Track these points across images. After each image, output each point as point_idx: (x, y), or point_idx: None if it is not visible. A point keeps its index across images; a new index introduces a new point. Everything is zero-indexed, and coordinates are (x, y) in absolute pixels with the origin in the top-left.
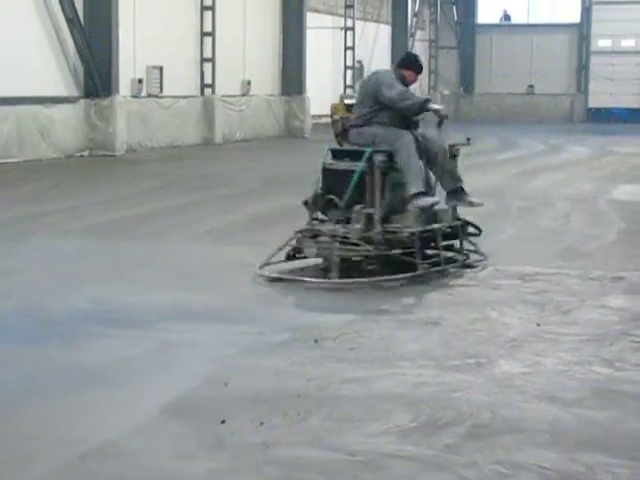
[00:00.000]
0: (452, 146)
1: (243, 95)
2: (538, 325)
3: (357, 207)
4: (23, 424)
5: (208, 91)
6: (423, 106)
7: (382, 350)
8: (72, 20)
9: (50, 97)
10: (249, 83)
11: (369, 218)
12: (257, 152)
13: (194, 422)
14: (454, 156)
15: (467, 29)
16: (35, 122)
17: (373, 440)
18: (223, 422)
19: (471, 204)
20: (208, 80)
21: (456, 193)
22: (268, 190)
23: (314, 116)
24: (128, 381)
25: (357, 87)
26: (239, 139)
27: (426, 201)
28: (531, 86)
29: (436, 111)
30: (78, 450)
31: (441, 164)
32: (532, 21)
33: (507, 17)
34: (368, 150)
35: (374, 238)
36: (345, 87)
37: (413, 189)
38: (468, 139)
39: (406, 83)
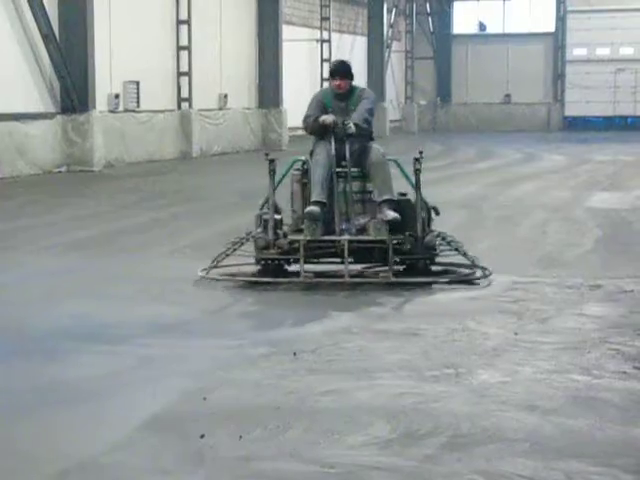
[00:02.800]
0: (417, 160)
1: (220, 109)
2: (516, 334)
3: (259, 212)
4: (2, 440)
5: (185, 105)
6: (316, 124)
7: (361, 361)
8: (47, 36)
9: (26, 113)
10: (226, 96)
11: (265, 224)
12: (234, 165)
13: (173, 437)
14: (417, 170)
15: (443, 39)
16: (11, 139)
17: (352, 452)
18: (202, 436)
19: (385, 216)
20: (185, 94)
21: (386, 204)
22: (246, 203)
23: (291, 128)
24: (108, 397)
25: None
26: (217, 153)
27: (388, 214)
28: (508, 95)
29: (323, 123)
30: (58, 467)
31: (373, 175)
32: (508, 31)
33: (482, 27)
34: (291, 161)
35: (258, 242)
36: None
37: (312, 197)
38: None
39: (338, 92)
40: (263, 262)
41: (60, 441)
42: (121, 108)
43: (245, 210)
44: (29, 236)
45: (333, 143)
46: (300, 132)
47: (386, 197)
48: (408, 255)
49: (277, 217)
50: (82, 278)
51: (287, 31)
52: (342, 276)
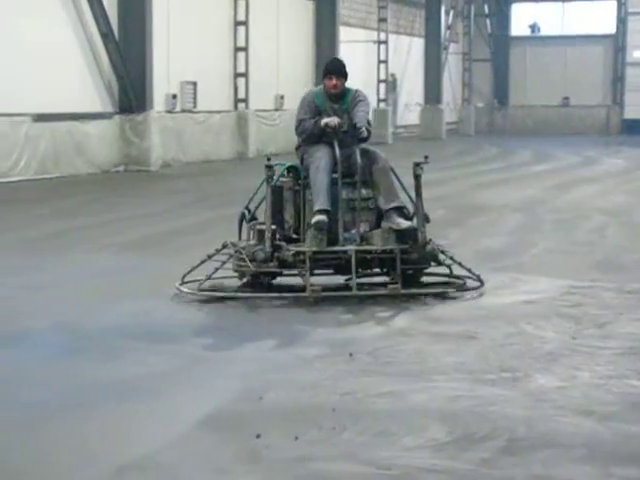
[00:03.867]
0: (417, 165)
1: (276, 109)
2: (574, 339)
3: (252, 223)
4: (60, 438)
5: (242, 106)
6: (317, 128)
7: (417, 364)
8: (107, 36)
9: (85, 113)
10: (282, 97)
11: (261, 234)
12: None
13: (230, 436)
14: (417, 176)
15: (501, 41)
16: (70, 138)
17: (408, 454)
18: (258, 436)
19: (398, 225)
20: (242, 95)
21: (395, 212)
22: None
23: None
24: (164, 395)
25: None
26: (272, 153)
27: (400, 222)
28: (566, 98)
29: (327, 125)
30: (116, 463)
31: (377, 181)
32: (566, 32)
33: (535, 28)
34: (284, 167)
35: (257, 255)
36: (378, 101)
37: (316, 205)
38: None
39: (330, 93)
40: (251, 276)
41: (117, 438)
42: (178, 108)
43: None
44: (86, 235)
45: (337, 147)
46: None
47: (395, 204)
48: (412, 265)
49: (273, 228)
50: (137, 277)
51: (344, 32)
52: (349, 289)
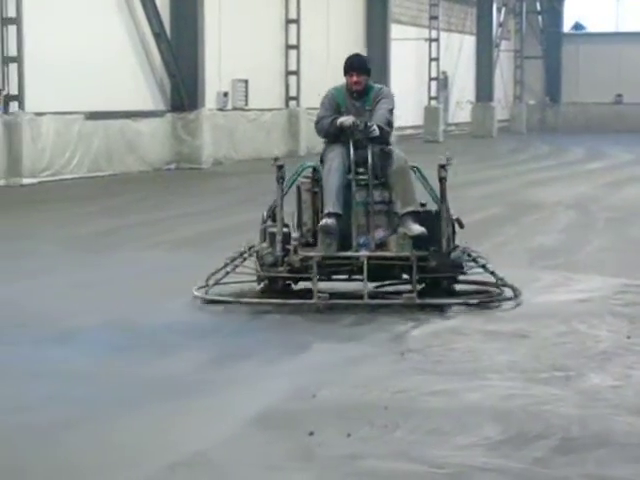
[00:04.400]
0: (442, 166)
1: None
2: (628, 338)
3: (265, 225)
4: (113, 434)
5: (293, 103)
6: (332, 127)
7: (470, 362)
8: (159, 35)
9: (138, 111)
10: None
11: (272, 238)
12: None
13: (282, 434)
14: (442, 179)
15: (553, 38)
16: (123, 136)
17: (461, 453)
18: (311, 434)
19: (410, 231)
20: (293, 93)
21: (410, 216)
22: None
23: (398, 128)
24: (215, 392)
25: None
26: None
27: (412, 228)
28: (619, 95)
29: (342, 125)
30: (167, 460)
31: (394, 183)
32: (620, 29)
33: (580, 27)
34: (302, 167)
35: (266, 259)
36: (429, 98)
37: (325, 208)
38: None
39: (352, 90)
40: (267, 281)
41: (169, 435)
42: (230, 106)
43: None
44: (136, 233)
45: (352, 147)
46: (408, 132)
47: (410, 209)
48: (431, 273)
49: (285, 231)
50: (187, 275)
51: (395, 30)
52: (361, 297)
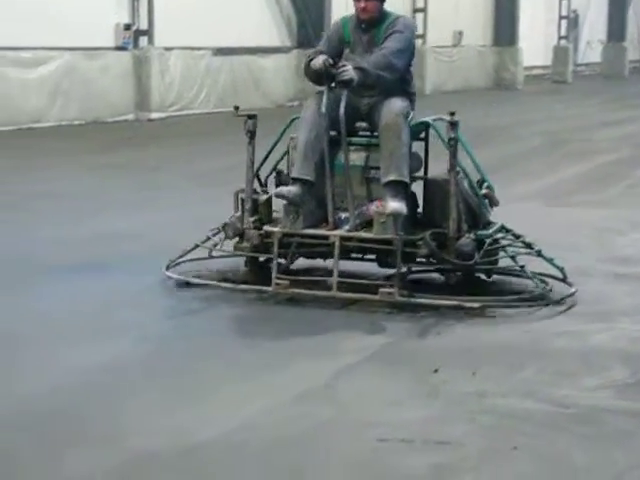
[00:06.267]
0: (451, 124)
1: (454, 46)
2: None
3: (238, 190)
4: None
5: (419, 42)
6: (308, 69)
7: (598, 304)
8: None
9: (263, 47)
10: (460, 33)
11: (243, 205)
12: (469, 104)
13: (407, 370)
14: (451, 140)
15: None
16: (248, 72)
17: (588, 394)
18: (436, 371)
19: (384, 208)
20: (420, 30)
21: (390, 188)
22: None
23: (526, 67)
24: (338, 329)
25: None
26: (449, 90)
27: (388, 204)
28: None
29: (314, 67)
30: (295, 392)
31: (381, 144)
32: None
33: None
34: (290, 120)
35: (226, 233)
36: (559, 38)
37: (293, 172)
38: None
39: (362, 19)
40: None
41: (297, 368)
42: None
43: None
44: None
45: (325, 96)
46: (535, 72)
47: (391, 177)
48: (429, 262)
49: (263, 197)
50: None
51: None
52: (329, 288)
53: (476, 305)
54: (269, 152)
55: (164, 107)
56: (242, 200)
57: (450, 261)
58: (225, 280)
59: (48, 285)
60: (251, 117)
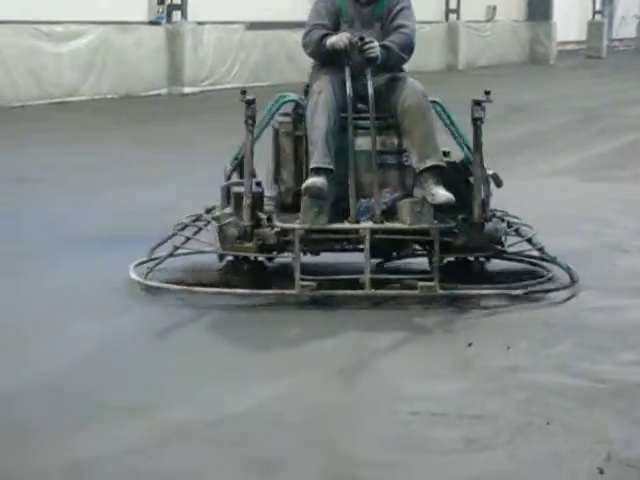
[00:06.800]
0: (477, 103)
1: (488, 21)
2: None
3: (228, 182)
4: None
5: (452, 17)
6: (322, 47)
7: (634, 280)
8: None
9: (297, 22)
10: (494, 8)
11: (238, 201)
12: (503, 79)
13: (441, 344)
14: (476, 120)
15: None
16: (282, 47)
17: (624, 369)
18: (470, 345)
19: (432, 197)
20: (453, 5)
21: (431, 174)
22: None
23: (559, 43)
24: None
25: None
26: (482, 65)
27: (436, 193)
28: None
29: (333, 47)
30: (337, 368)
31: (409, 126)
32: None
33: None
34: (275, 100)
35: (227, 231)
36: (594, 12)
37: (311, 162)
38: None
39: None
40: (233, 259)
41: (333, 340)
42: None
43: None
44: None
45: (348, 75)
46: (569, 47)
47: (431, 163)
48: (458, 252)
49: (256, 191)
50: None
51: None
52: (361, 286)
53: (521, 292)
54: (257, 136)
55: (197, 82)
56: (236, 195)
57: (493, 248)
58: (213, 285)
59: (82, 255)
60: (250, 102)
